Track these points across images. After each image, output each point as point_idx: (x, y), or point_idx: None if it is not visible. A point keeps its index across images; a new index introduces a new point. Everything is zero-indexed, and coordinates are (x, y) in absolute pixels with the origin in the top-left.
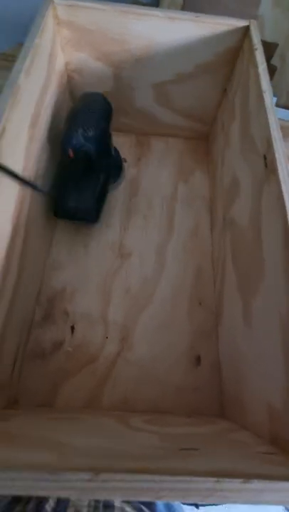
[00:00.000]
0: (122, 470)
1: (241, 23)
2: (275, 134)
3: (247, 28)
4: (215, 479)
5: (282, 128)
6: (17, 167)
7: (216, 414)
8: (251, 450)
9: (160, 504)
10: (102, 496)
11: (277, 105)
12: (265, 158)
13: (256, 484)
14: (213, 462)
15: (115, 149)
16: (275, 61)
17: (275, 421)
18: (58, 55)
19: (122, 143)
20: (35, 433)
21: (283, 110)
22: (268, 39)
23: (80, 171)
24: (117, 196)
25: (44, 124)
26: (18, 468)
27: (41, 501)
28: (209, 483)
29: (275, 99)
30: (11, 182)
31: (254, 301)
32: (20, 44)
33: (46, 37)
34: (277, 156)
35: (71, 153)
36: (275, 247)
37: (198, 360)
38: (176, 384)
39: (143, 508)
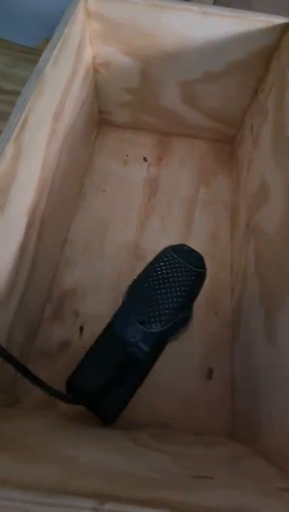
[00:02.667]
0: (131, 500)
1: (280, 19)
2: None
3: (286, 26)
4: None
5: None
6: (37, 162)
7: (225, 433)
8: (269, 484)
9: None
10: None
11: None
12: None
13: None
14: (230, 496)
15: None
16: None
17: None
18: (86, 47)
19: (143, 142)
20: (37, 440)
21: None
22: None
23: (118, 360)
24: (136, 196)
25: (67, 118)
26: (13, 486)
27: None
28: None
29: None
30: (31, 172)
31: (280, 317)
32: (47, 40)
33: (75, 28)
34: None
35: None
36: None
37: (210, 373)
38: (184, 396)
39: None
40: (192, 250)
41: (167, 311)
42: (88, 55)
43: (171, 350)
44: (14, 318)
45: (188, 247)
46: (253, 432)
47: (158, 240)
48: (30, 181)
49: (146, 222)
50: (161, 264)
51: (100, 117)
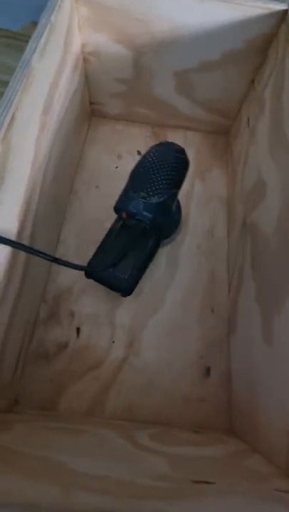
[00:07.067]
0: None
1: (279, 6)
2: None
3: (285, 13)
4: None
5: None
6: (27, 158)
7: (224, 429)
8: (268, 486)
9: None
10: None
11: None
12: None
13: None
14: (232, 504)
15: (177, 202)
16: None
17: None
18: (74, 35)
19: (136, 134)
20: (37, 450)
21: None
22: None
23: (127, 236)
24: None
25: (57, 112)
26: (14, 505)
27: None
28: None
29: None
30: (21, 172)
31: (278, 318)
32: (34, 23)
33: (63, 15)
34: None
35: (124, 215)
36: None
37: (207, 371)
38: (183, 394)
39: None
40: (173, 143)
41: (160, 187)
42: (77, 43)
43: (170, 349)
44: (10, 318)
45: (169, 141)
46: (251, 429)
47: None
48: (21, 182)
49: None
50: (151, 154)
51: (91, 109)
